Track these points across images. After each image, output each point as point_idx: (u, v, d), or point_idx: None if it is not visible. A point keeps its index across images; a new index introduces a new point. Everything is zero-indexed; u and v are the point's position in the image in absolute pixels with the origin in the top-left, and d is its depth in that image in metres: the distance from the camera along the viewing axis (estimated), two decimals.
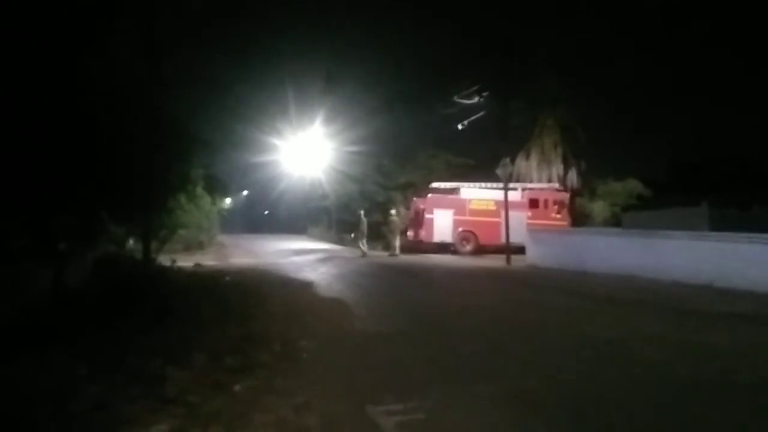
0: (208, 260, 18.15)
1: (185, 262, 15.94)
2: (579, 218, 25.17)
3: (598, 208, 25.57)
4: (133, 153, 11.12)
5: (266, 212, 58.00)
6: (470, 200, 24.00)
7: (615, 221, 23.95)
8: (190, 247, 22.57)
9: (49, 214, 8.83)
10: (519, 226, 21.19)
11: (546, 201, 24.39)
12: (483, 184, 24.58)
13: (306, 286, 11.22)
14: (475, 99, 23.19)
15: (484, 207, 23.71)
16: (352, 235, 20.53)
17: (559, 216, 24.23)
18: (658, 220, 17.65)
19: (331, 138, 30.81)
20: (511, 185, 25.13)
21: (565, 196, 24.83)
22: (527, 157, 26.98)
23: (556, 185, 25.52)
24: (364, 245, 21.02)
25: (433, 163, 29.34)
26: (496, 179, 20.45)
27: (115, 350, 4.78)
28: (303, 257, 20.32)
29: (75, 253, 9.79)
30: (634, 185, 25.28)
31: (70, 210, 9.35)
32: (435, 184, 24.99)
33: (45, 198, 8.37)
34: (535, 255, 17.35)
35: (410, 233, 24.55)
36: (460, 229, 23.53)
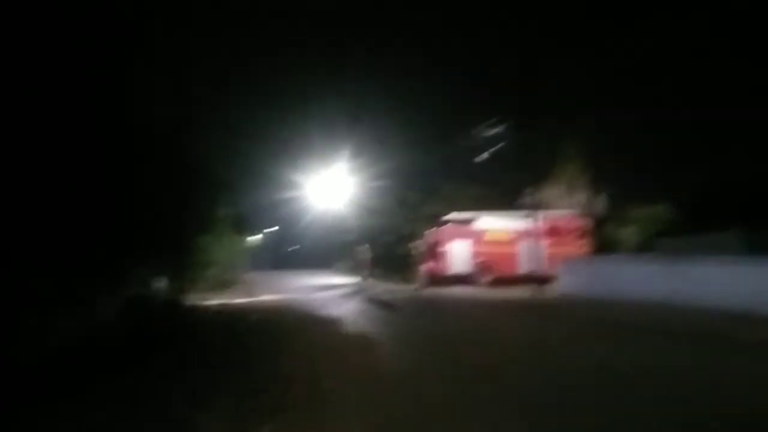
0: (236, 298, 18.25)
1: (213, 300, 16.09)
2: (608, 245, 24.67)
3: (628, 234, 25.07)
4: (161, 197, 11.41)
5: (295, 247, 58.41)
6: (486, 231, 23.77)
7: (646, 247, 23.42)
8: (218, 285, 22.77)
9: (80, 256, 9.02)
10: (538, 254, 20.91)
11: (565, 228, 23.99)
12: (499, 214, 24.32)
13: (331, 323, 11.14)
14: (497, 130, 23.22)
15: (500, 237, 23.43)
16: (357, 269, 19.73)
17: (579, 243, 23.82)
18: (691, 245, 17.21)
19: (355, 173, 31.21)
20: (529, 213, 25.07)
21: (586, 223, 24.41)
22: (553, 186, 26.77)
23: (576, 212, 25.10)
24: (367, 278, 20.06)
25: (457, 195, 29.29)
26: (521, 208, 20.20)
27: (142, 393, 4.78)
28: (328, 293, 20.28)
29: (105, 293, 9.97)
30: (664, 210, 24.78)
31: (99, 252, 9.54)
32: (450, 215, 24.83)
33: (77, 240, 8.55)
34: (566, 283, 17.03)
35: (426, 266, 24.34)
36: (477, 260, 23.26)
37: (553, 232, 23.66)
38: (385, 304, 15.31)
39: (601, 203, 25.88)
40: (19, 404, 4.73)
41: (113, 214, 9.13)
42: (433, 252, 23.94)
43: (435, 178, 30.10)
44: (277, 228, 45.46)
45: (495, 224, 23.96)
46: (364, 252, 19.49)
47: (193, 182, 14.23)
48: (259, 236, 31.13)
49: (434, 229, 24.96)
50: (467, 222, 24.32)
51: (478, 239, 23.41)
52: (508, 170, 23.86)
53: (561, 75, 26.30)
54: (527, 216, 22.96)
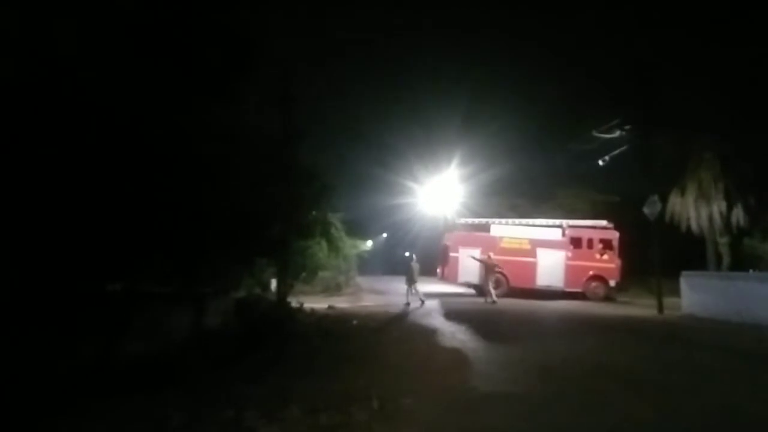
0: (342, 302, 18.70)
1: (321, 303, 16.59)
2: (750, 261, 22.18)
3: None
4: (273, 202, 11.96)
5: (407, 254, 58.73)
6: (501, 238, 22.14)
7: None
8: (328, 289, 23.51)
9: (195, 262, 9.66)
10: (556, 267, 19.22)
11: (590, 240, 21.86)
12: (518, 221, 22.86)
13: (426, 333, 10.96)
14: (617, 132, 21.71)
15: (516, 245, 21.69)
16: (406, 282, 18.13)
17: (605, 257, 21.60)
18: None
19: (465, 180, 30.85)
20: (551, 222, 23.11)
21: (614, 236, 21.99)
22: (682, 194, 24.51)
23: (605, 223, 22.63)
24: (414, 292, 17.97)
25: (572, 202, 27.86)
26: (643, 216, 18.28)
27: (218, 397, 4.97)
28: (432, 301, 20.01)
29: (216, 296, 10.62)
30: None
31: (212, 257, 10.15)
32: (463, 219, 23.52)
33: (192, 246, 9.14)
34: (691, 303, 15.40)
35: (438, 272, 23.02)
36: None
37: (576, 242, 21.76)
38: (480, 317, 14.83)
39: (738, 214, 23.25)
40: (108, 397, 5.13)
41: (225, 219, 9.57)
42: (445, 257, 22.64)
43: (547, 184, 28.87)
44: (390, 234, 46.13)
45: (511, 232, 22.31)
46: (411, 265, 18.13)
47: (304, 188, 14.82)
48: (370, 242, 31.65)
49: (447, 232, 23.72)
50: (481, 227, 22.93)
51: (492, 247, 21.53)
52: (629, 177, 22.23)
53: (692, 78, 23.98)
54: (552, 224, 21.33)
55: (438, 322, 13.17)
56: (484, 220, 23.73)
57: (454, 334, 10.90)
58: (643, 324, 14.04)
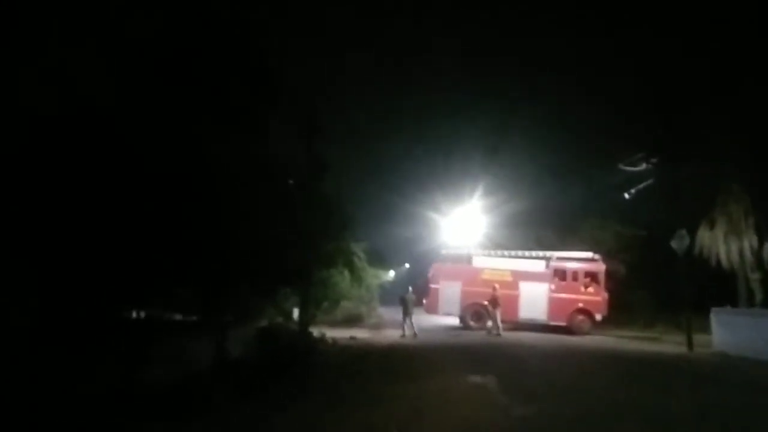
0: (364, 333, 18.57)
1: (343, 333, 16.52)
2: None
3: None
4: (294, 231, 12.06)
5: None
6: (483, 269, 21.71)
7: None
8: (350, 319, 23.40)
9: (217, 291, 9.74)
10: (539, 299, 18.76)
11: (575, 273, 21.36)
12: (500, 252, 22.49)
13: (450, 365, 10.82)
14: (643, 165, 21.46)
15: (498, 277, 21.10)
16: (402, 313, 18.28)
17: (590, 290, 21.03)
18: None
19: (488, 211, 30.68)
20: (536, 254, 22.71)
21: (600, 268, 21.51)
22: (711, 228, 23.95)
23: (592, 255, 22.11)
24: (409, 326, 18.04)
25: (599, 234, 27.43)
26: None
27: (240, 427, 4.96)
28: (454, 333, 19.77)
29: (238, 325, 10.68)
30: None
31: (235, 286, 10.23)
32: (446, 250, 23.18)
33: (215, 275, 9.22)
34: (722, 340, 14.89)
35: (424, 303, 22.63)
36: (469, 301, 21.15)
37: (560, 274, 21.28)
38: (507, 352, 14.56)
39: None
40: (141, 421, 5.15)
41: (248, 249, 9.65)
42: (427, 289, 22.34)
43: (573, 216, 28.51)
44: (412, 264, 45.91)
45: (493, 264, 21.88)
46: (407, 297, 18.33)
47: (327, 218, 14.94)
48: (392, 272, 31.55)
49: (432, 264, 23.42)
50: (463, 259, 22.56)
51: (473, 278, 21.31)
52: (656, 210, 21.89)
53: (720, 110, 23.69)
54: (531, 257, 21.01)
55: (459, 355, 12.98)
56: (466, 252, 23.45)
57: (476, 368, 10.63)
58: (678, 361, 13.60)
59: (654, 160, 19.88)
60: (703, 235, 23.75)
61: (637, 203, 22.05)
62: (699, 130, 21.67)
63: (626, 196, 22.20)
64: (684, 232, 17.50)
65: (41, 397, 5.22)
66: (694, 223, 23.04)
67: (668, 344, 17.22)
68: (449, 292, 21.56)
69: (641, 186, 20.72)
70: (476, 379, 8.97)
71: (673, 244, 17.24)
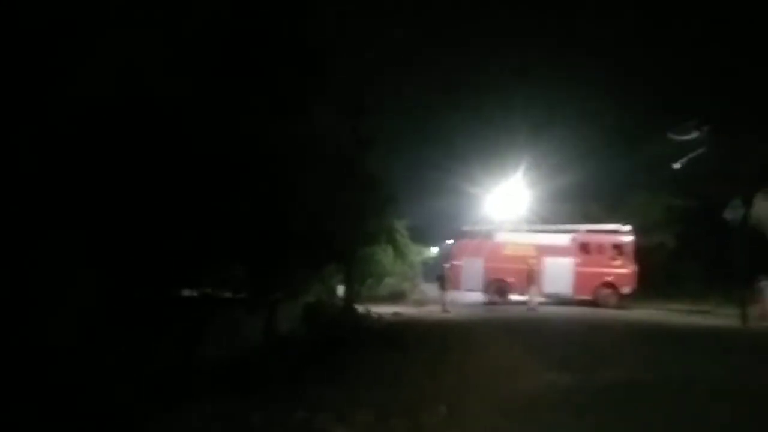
0: (408, 309, 18.78)
1: (387, 309, 16.80)
2: None
3: None
4: (340, 209, 12.25)
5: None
6: (505, 245, 21.37)
7: None
8: (394, 296, 23.68)
9: (268, 269, 10.04)
10: (563, 274, 18.13)
11: (600, 246, 20.74)
12: (524, 226, 22.41)
13: (491, 341, 10.90)
14: (696, 134, 20.68)
15: (521, 252, 20.73)
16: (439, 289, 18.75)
17: (616, 263, 20.38)
18: None
19: (533, 186, 30.15)
20: (562, 227, 22.17)
21: (626, 240, 20.73)
22: None
23: (622, 227, 21.33)
24: (446, 300, 18.73)
25: (646, 208, 26.66)
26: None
27: (293, 400, 5.20)
28: (487, 308, 19.81)
29: (286, 302, 11.00)
30: None
31: (284, 263, 10.52)
32: (467, 226, 22.74)
33: (267, 253, 9.49)
34: None
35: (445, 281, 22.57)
36: (490, 276, 20.99)
37: (585, 248, 20.68)
38: (555, 328, 14.54)
39: None
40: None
41: (298, 227, 9.86)
42: (449, 266, 22.00)
43: (622, 190, 27.72)
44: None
45: (516, 238, 21.55)
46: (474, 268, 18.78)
47: (371, 195, 15.09)
48: (436, 249, 31.57)
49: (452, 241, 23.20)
50: (485, 234, 22.22)
51: (495, 254, 21.12)
52: (708, 179, 21.04)
53: None
54: (559, 230, 20.73)
55: (501, 331, 13.01)
56: (489, 227, 23.28)
57: (517, 342, 10.70)
58: (731, 334, 13.30)
59: (706, 128, 19.08)
60: (760, 206, 22.77)
61: (688, 173, 21.32)
62: (755, 93, 20.58)
63: (677, 166, 21.50)
64: (739, 202, 16.86)
65: (107, 377, 5.54)
66: (749, 193, 22.06)
67: (720, 317, 16.77)
68: (471, 268, 21.61)
69: (693, 155, 20.01)
70: (525, 351, 9.05)
71: (727, 215, 16.64)
